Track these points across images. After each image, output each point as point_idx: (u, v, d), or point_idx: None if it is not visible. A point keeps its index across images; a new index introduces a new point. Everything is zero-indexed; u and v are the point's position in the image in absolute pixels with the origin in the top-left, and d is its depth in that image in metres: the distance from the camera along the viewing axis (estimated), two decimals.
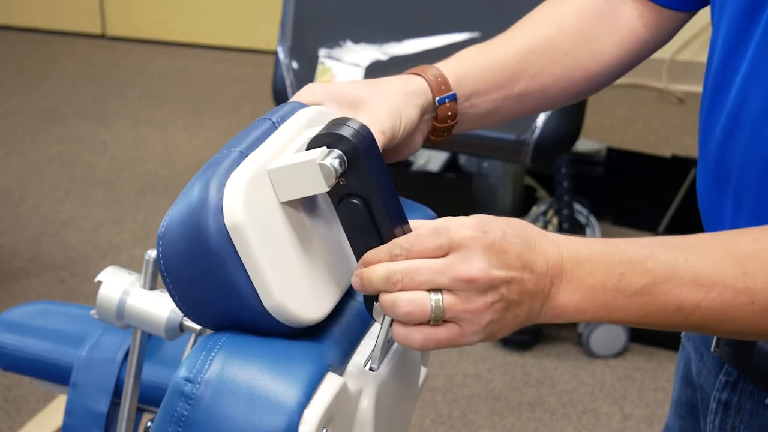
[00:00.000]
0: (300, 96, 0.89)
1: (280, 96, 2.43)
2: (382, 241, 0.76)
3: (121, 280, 1.11)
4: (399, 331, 0.74)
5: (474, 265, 0.72)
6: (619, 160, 2.93)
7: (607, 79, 1.01)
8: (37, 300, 2.22)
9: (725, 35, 0.87)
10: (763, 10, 0.82)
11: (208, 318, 0.77)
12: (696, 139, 3.18)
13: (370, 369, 0.80)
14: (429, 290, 0.72)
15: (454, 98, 0.93)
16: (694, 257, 0.76)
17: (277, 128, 0.82)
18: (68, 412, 1.27)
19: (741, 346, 0.91)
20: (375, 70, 2.43)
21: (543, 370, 2.46)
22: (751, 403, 0.93)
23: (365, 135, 0.75)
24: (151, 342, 1.27)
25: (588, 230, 2.71)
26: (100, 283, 1.11)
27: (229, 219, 0.73)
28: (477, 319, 0.73)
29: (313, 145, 0.76)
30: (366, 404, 0.79)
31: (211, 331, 0.78)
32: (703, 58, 3.73)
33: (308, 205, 0.79)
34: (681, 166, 2.86)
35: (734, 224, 0.87)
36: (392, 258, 0.74)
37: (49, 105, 3.77)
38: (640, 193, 2.93)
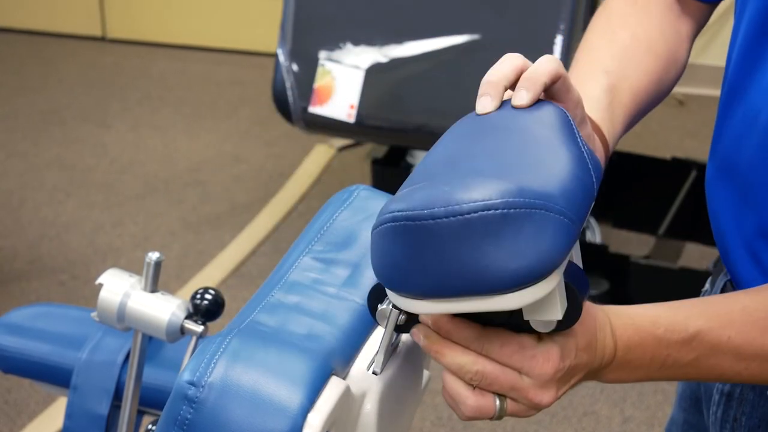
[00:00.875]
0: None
1: (280, 98, 2.44)
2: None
3: (122, 282, 1.11)
4: (449, 402, 0.76)
5: (547, 395, 0.74)
6: (619, 162, 2.93)
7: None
8: (37, 302, 2.22)
9: (744, 36, 0.88)
10: None
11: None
12: (696, 140, 3.20)
13: (373, 372, 0.80)
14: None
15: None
16: (736, 335, 0.79)
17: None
18: (68, 415, 1.27)
19: None
20: (375, 72, 2.43)
21: None
22: (753, 394, 0.94)
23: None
24: (151, 344, 1.27)
25: (588, 233, 2.71)
26: (100, 285, 1.11)
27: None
28: (524, 415, 0.76)
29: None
30: (369, 408, 0.79)
31: (212, 334, 0.78)
32: (703, 60, 3.74)
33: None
34: (681, 168, 2.86)
35: (738, 218, 0.89)
36: (469, 348, 0.74)
37: (49, 107, 3.77)
38: (641, 196, 2.93)
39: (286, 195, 3.20)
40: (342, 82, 2.45)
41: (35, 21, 4.43)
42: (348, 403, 0.76)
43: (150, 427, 1.21)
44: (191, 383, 0.73)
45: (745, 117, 0.87)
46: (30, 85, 3.96)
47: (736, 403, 0.96)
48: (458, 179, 0.66)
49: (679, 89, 3.88)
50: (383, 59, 2.43)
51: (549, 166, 0.68)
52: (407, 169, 2.78)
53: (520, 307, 0.67)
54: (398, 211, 0.66)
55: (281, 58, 2.43)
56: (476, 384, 0.74)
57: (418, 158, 2.76)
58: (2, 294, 2.68)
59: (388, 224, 0.67)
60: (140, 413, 1.26)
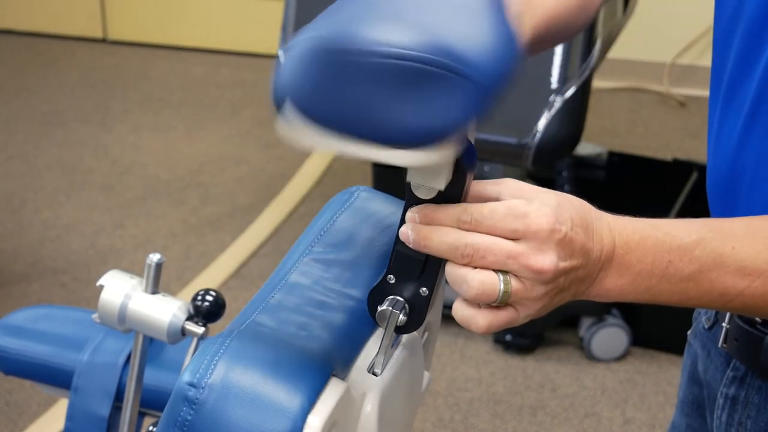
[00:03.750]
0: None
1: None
2: (427, 260, 0.75)
3: (123, 283, 1.11)
4: (464, 312, 0.74)
5: (547, 259, 0.72)
6: (621, 163, 2.93)
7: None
8: (38, 304, 2.22)
9: (752, 14, 0.87)
10: None
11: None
12: (697, 141, 3.18)
13: (373, 374, 0.80)
14: (496, 271, 0.72)
15: None
16: (740, 246, 0.77)
17: None
18: (69, 416, 1.27)
19: (749, 340, 0.92)
20: None
21: (544, 374, 2.46)
22: (759, 397, 0.94)
23: (473, 159, 0.74)
24: (152, 346, 1.27)
25: None
26: (101, 287, 1.11)
27: None
28: (533, 305, 0.74)
29: None
30: (369, 409, 0.79)
31: (213, 335, 0.78)
32: (704, 61, 3.74)
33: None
34: (682, 169, 2.86)
35: (748, 213, 0.88)
36: (459, 224, 0.73)
37: (50, 109, 3.77)
38: (642, 197, 2.93)
39: (287, 196, 3.20)
40: None
41: (36, 23, 4.43)
42: (348, 404, 0.76)
43: (151, 428, 1.21)
44: (191, 384, 0.73)
45: (751, 105, 0.87)
46: (31, 86, 3.96)
47: (741, 407, 0.95)
48: (379, 19, 0.65)
49: (680, 90, 3.88)
50: None
51: (473, 31, 0.66)
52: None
53: (409, 166, 0.67)
54: (320, 38, 0.66)
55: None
56: (471, 261, 0.71)
57: None
58: (3, 295, 2.68)
59: (307, 49, 0.66)
60: (141, 415, 1.26)
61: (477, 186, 0.76)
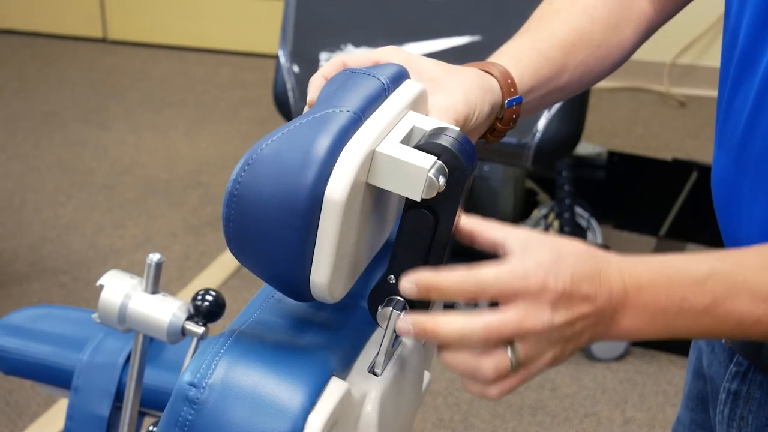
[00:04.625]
0: (379, 55, 0.85)
1: (281, 100, 2.43)
2: (426, 261, 0.75)
3: (123, 283, 1.11)
4: (473, 388, 0.75)
5: (542, 318, 0.73)
6: (621, 163, 2.94)
7: (623, 62, 1.05)
8: (38, 304, 2.22)
9: (753, 13, 0.88)
10: None
11: (242, 255, 0.75)
12: (697, 141, 3.18)
13: (374, 374, 0.80)
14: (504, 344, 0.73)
15: (520, 101, 0.93)
16: (752, 275, 0.77)
17: (386, 93, 0.79)
18: (69, 416, 1.27)
19: None
20: None
21: (544, 374, 2.46)
22: (761, 392, 0.94)
23: (472, 159, 0.75)
24: (152, 346, 1.27)
25: (589, 234, 2.71)
26: (101, 287, 1.11)
27: (331, 193, 0.70)
28: (542, 359, 0.75)
29: (423, 147, 0.74)
30: (370, 409, 0.79)
31: (213, 335, 0.78)
32: (704, 61, 3.74)
33: (375, 190, 0.77)
34: (682, 169, 2.86)
35: (751, 210, 0.88)
36: (462, 295, 0.73)
37: (50, 109, 3.77)
38: (642, 197, 2.93)
39: None
40: None
41: (36, 23, 4.43)
42: (349, 404, 0.76)
43: (151, 428, 1.21)
44: (192, 384, 0.73)
45: (756, 94, 0.87)
46: (31, 86, 3.96)
47: (743, 402, 0.96)
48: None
49: (680, 90, 3.88)
50: None
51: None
52: None
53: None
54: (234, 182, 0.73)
55: (282, 59, 2.43)
56: (487, 341, 0.72)
57: None
58: (3, 296, 2.68)
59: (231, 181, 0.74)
60: (141, 414, 1.26)
61: (484, 227, 0.76)
